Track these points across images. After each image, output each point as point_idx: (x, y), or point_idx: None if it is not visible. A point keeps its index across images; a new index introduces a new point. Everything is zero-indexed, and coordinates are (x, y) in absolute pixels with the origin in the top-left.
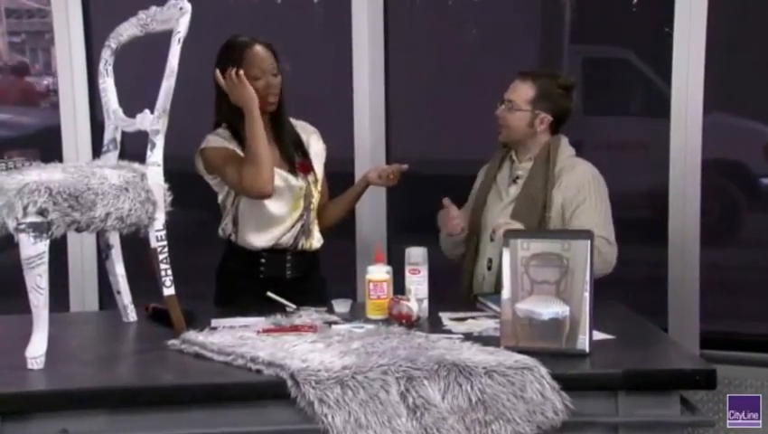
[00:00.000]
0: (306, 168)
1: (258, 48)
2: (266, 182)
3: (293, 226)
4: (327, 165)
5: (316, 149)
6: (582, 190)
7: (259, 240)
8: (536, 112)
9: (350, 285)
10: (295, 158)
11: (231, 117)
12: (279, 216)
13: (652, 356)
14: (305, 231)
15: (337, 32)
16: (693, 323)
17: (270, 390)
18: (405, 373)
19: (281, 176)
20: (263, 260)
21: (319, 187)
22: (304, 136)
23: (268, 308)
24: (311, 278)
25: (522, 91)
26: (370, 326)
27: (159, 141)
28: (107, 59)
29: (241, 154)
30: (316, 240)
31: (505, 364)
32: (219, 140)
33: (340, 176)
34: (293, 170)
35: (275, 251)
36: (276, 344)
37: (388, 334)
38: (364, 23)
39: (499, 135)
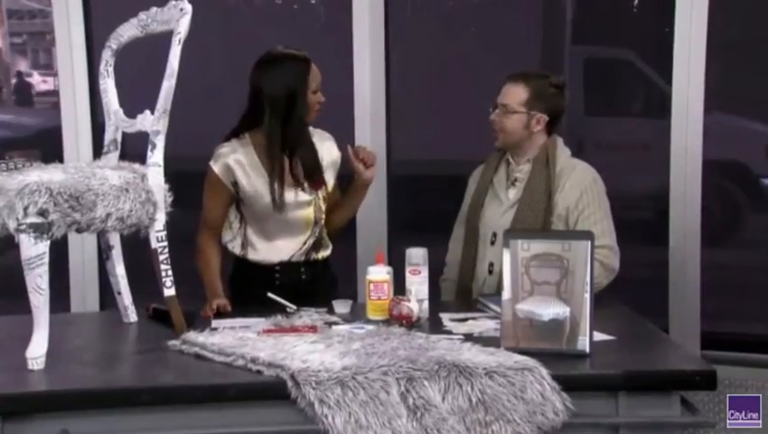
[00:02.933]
0: (318, 185)
1: (313, 63)
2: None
3: (304, 244)
4: None
5: (329, 159)
6: (584, 194)
7: (271, 257)
8: (531, 113)
9: (350, 285)
10: (313, 175)
11: (275, 129)
12: (289, 236)
13: (653, 357)
14: (316, 246)
15: (338, 33)
16: (694, 323)
17: (270, 390)
18: (405, 374)
19: (294, 195)
20: (277, 268)
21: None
22: (318, 146)
23: (270, 309)
24: (323, 279)
25: (515, 94)
26: (371, 327)
27: (159, 142)
28: (107, 59)
29: (244, 160)
30: (327, 250)
31: (505, 365)
32: (222, 158)
33: (340, 177)
34: (306, 187)
35: (288, 264)
36: (276, 344)
37: (389, 334)
38: (365, 23)
39: (495, 140)
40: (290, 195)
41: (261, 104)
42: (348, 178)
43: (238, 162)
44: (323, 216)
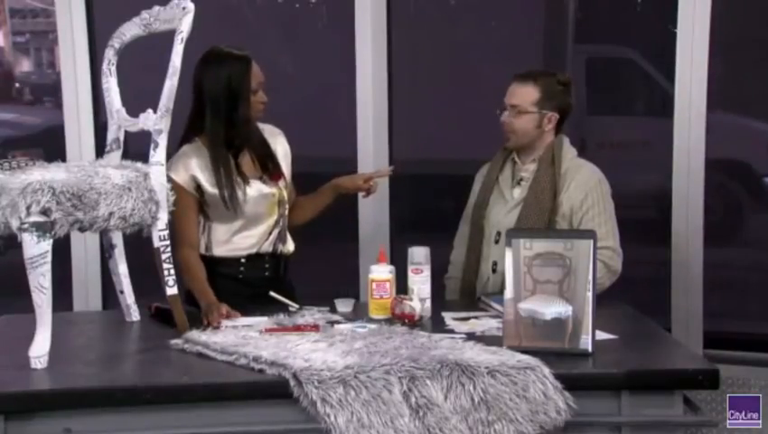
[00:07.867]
0: (278, 176)
1: (254, 63)
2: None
3: (270, 234)
4: (330, 166)
5: (282, 152)
6: (589, 195)
7: (238, 249)
8: (543, 112)
9: (353, 284)
10: (269, 167)
11: (218, 129)
12: (255, 226)
13: (655, 356)
14: (282, 238)
15: (340, 32)
16: (696, 323)
17: (273, 389)
18: (407, 373)
19: (255, 187)
20: (243, 261)
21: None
22: (271, 141)
23: (270, 308)
24: (283, 280)
25: (526, 94)
26: (373, 326)
27: (162, 141)
28: (110, 58)
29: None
30: (291, 244)
31: (508, 364)
32: (182, 166)
33: (317, 176)
34: (265, 179)
35: (254, 257)
36: (278, 343)
37: (391, 333)
38: (367, 23)
39: (506, 141)
40: (254, 188)
41: (204, 105)
42: (326, 178)
43: (198, 166)
44: (287, 206)
